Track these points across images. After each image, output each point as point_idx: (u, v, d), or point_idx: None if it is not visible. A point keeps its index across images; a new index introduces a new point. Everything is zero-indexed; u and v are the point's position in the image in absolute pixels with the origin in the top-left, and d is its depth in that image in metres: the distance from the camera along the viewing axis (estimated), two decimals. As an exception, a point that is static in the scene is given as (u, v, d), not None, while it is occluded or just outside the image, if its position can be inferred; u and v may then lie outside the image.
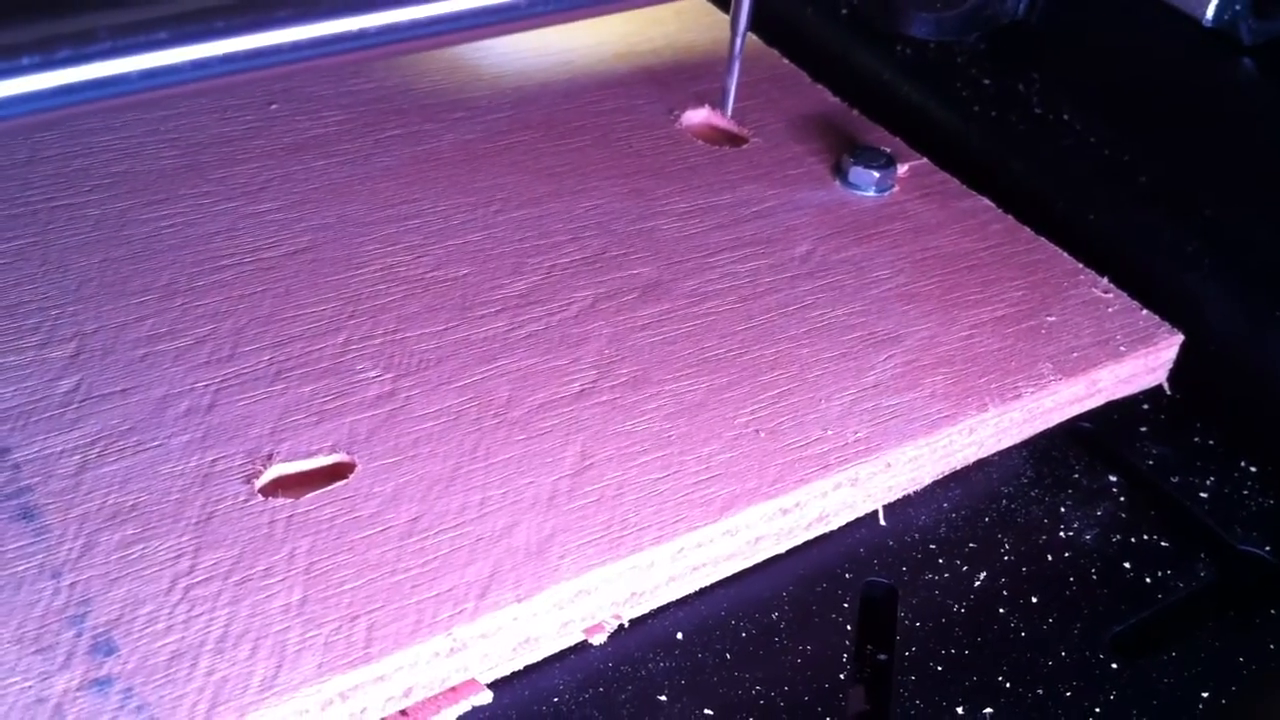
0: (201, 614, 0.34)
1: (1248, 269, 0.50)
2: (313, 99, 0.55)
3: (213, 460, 0.39)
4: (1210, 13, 0.51)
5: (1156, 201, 0.53)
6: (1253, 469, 0.47)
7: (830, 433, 0.42)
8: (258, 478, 0.38)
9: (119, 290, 0.44)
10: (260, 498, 0.38)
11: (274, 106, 0.54)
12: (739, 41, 0.54)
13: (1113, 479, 0.46)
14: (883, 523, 0.44)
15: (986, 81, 0.59)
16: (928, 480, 0.45)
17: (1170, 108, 0.54)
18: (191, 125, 0.52)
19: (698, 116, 0.58)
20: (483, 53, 0.59)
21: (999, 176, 0.55)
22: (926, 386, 0.45)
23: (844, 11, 0.63)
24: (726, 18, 0.55)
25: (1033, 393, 0.45)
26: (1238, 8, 0.50)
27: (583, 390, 0.43)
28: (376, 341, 0.44)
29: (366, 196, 0.50)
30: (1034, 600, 0.42)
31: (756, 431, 0.42)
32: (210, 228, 0.48)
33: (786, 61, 0.62)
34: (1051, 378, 0.45)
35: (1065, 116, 0.56)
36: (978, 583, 0.42)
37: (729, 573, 0.41)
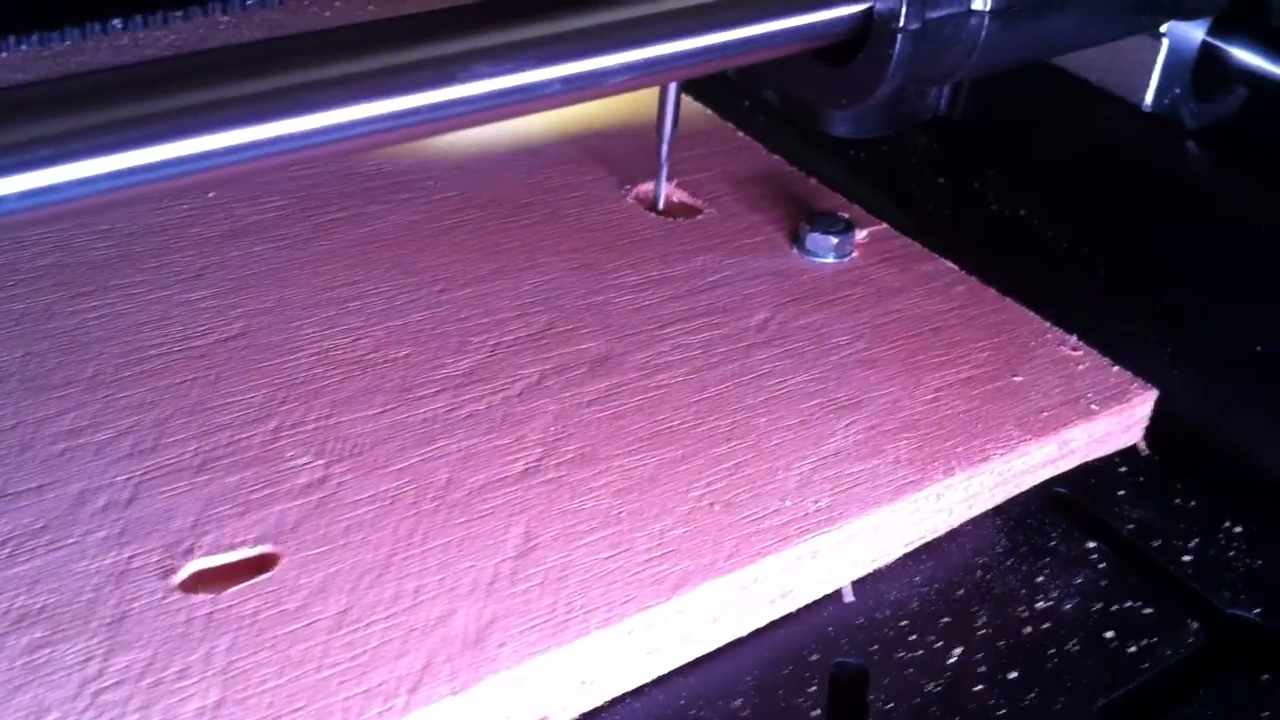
0: (109, 721, 0.32)
1: (1210, 357, 0.48)
2: (252, 185, 0.53)
3: (129, 557, 0.36)
4: (1149, 98, 0.50)
5: (1114, 291, 0.51)
6: (1238, 529, 0.45)
7: (789, 503, 0.40)
8: (175, 573, 0.36)
9: (40, 384, 0.42)
10: (180, 594, 0.36)
11: (211, 195, 0.52)
12: (664, 149, 0.53)
13: (1091, 545, 0.44)
14: (850, 599, 0.41)
15: (941, 180, 0.58)
16: (897, 552, 0.42)
17: (1118, 194, 0.53)
18: (125, 215, 0.51)
19: (650, 190, 0.56)
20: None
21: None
22: (890, 452, 0.43)
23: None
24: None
25: (1001, 454, 0.43)
26: (1178, 91, 0.49)
27: (527, 469, 0.41)
28: (309, 427, 0.42)
29: (306, 280, 0.48)
30: (1013, 675, 0.39)
31: (711, 505, 0.40)
32: (140, 317, 0.46)
33: (741, 134, 0.61)
34: (1020, 438, 0.43)
35: (1022, 212, 0.55)
36: (953, 659, 0.40)
37: (688, 658, 0.39)
